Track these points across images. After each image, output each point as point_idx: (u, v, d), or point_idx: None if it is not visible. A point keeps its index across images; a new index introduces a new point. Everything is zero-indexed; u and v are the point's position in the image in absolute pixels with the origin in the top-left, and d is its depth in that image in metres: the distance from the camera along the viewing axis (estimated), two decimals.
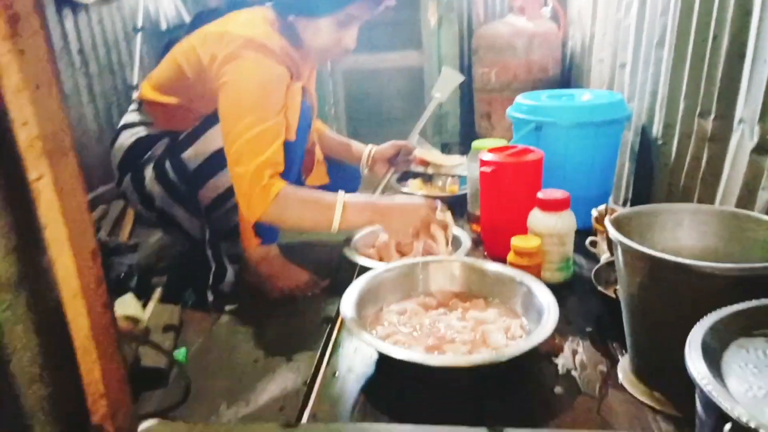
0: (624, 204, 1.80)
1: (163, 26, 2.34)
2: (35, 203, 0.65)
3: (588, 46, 2.28)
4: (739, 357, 0.62)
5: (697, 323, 0.64)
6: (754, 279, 0.78)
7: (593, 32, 2.19)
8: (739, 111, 1.19)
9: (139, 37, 2.19)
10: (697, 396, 0.59)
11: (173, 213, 1.39)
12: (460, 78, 1.59)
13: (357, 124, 2.75)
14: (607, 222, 0.93)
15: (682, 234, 1.01)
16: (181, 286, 1.43)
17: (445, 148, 2.68)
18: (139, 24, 2.19)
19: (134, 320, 1.02)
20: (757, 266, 0.78)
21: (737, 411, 0.50)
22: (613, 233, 0.91)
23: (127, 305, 1.13)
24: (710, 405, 0.54)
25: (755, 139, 1.11)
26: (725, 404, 0.52)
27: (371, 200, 1.27)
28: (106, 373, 0.75)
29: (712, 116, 1.28)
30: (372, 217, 1.25)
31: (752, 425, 0.49)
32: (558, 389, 1.00)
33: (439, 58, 2.59)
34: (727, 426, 0.52)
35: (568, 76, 2.64)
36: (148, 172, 1.36)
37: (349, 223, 1.23)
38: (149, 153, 1.37)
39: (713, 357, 0.62)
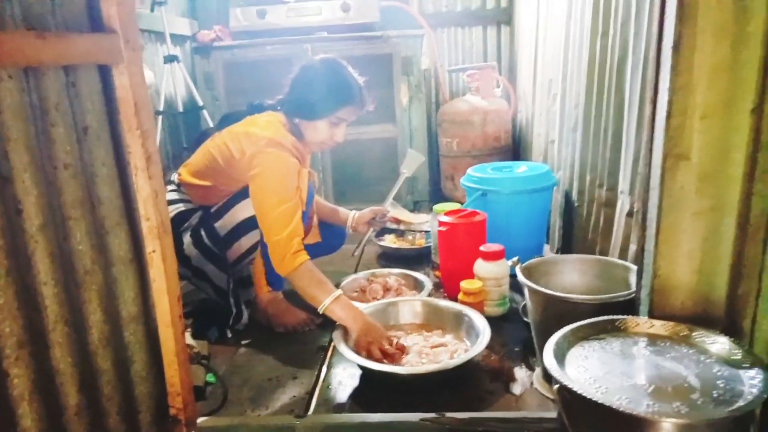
0: (557, 252, 2.23)
1: (180, 109, 2.78)
2: (148, 266, 1.05)
3: (530, 122, 2.76)
4: (577, 353, 1.02)
5: (554, 333, 1.05)
6: (609, 305, 1.20)
7: (534, 111, 2.68)
8: (621, 185, 1.63)
9: (159, 118, 2.62)
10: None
11: (205, 269, 1.76)
12: (422, 158, 2.04)
13: (341, 187, 3.18)
14: (517, 269, 1.35)
15: (573, 276, 1.43)
16: (203, 327, 1.80)
17: (417, 206, 3.12)
18: (161, 108, 2.62)
19: (189, 347, 1.40)
20: (606, 297, 1.21)
21: (559, 375, 0.91)
22: (521, 278, 1.33)
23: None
24: (553, 378, 0.94)
25: (628, 206, 1.56)
26: (555, 374, 0.92)
27: (348, 313, 1.54)
28: (182, 379, 1.13)
29: (605, 188, 1.73)
30: (346, 323, 1.53)
31: (566, 384, 0.89)
32: (491, 389, 1.39)
33: (411, 130, 3.07)
34: (556, 386, 0.92)
35: (518, 144, 3.13)
36: (186, 238, 1.74)
37: (329, 313, 1.55)
38: (187, 223, 1.76)
39: (562, 353, 1.02)
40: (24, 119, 0.78)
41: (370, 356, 1.45)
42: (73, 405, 0.87)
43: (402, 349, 1.50)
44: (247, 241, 1.72)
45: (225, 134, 1.72)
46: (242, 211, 1.71)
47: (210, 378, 1.52)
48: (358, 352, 1.46)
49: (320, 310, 1.56)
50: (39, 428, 0.78)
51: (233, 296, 1.76)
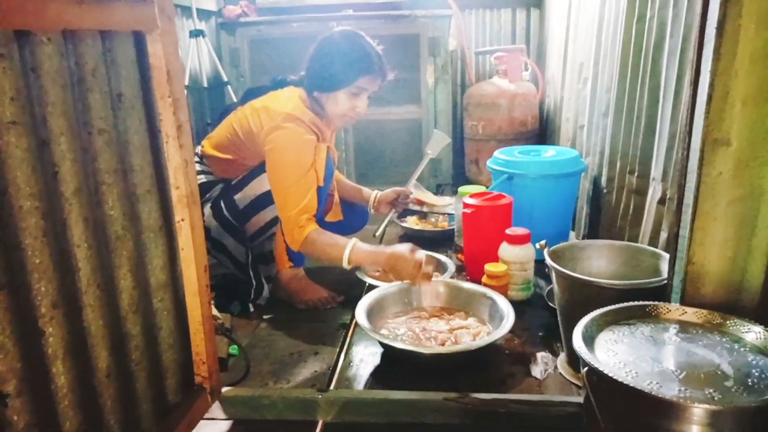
0: (582, 239, 2.20)
1: (205, 84, 2.78)
2: (177, 234, 1.05)
3: (559, 106, 2.72)
4: (606, 337, 1.01)
5: (583, 318, 1.03)
6: (635, 290, 1.18)
7: (562, 95, 2.63)
8: (653, 172, 1.60)
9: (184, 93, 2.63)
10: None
11: (224, 242, 1.78)
12: (448, 140, 2.02)
13: (364, 167, 3.17)
14: (545, 253, 1.34)
15: (601, 262, 1.41)
16: (225, 300, 1.81)
17: (440, 189, 3.10)
18: (186, 82, 2.63)
19: (214, 318, 1.41)
20: (634, 282, 1.19)
21: (588, 357, 0.90)
22: (549, 261, 1.31)
23: None
24: (582, 361, 0.93)
25: (660, 193, 1.53)
26: (584, 356, 0.91)
27: (373, 250, 1.61)
28: (207, 348, 1.14)
29: (636, 174, 1.69)
30: (372, 263, 1.62)
31: (596, 366, 0.88)
32: (513, 372, 1.38)
33: (435, 112, 3.04)
34: (585, 369, 0.91)
35: (544, 129, 3.08)
36: (207, 210, 1.76)
37: (355, 262, 1.62)
38: (207, 195, 1.78)
39: (591, 336, 1.01)
40: (62, 84, 0.78)
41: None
42: (104, 367, 0.88)
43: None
44: (266, 215, 1.74)
45: (247, 108, 1.73)
46: (262, 184, 1.72)
47: (233, 350, 1.53)
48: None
49: (347, 267, 1.60)
50: (72, 387, 0.79)
51: (252, 270, 1.77)
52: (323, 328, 1.67)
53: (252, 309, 1.79)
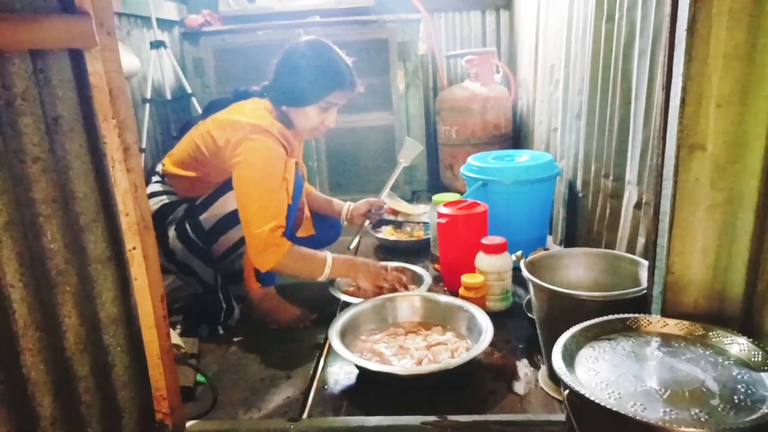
0: (560, 244, 2.17)
1: (168, 96, 2.69)
2: (129, 264, 0.98)
3: (531, 109, 2.69)
4: (587, 354, 0.97)
5: (561, 332, 0.99)
6: (618, 302, 1.14)
7: (535, 98, 2.61)
8: (628, 175, 1.57)
9: (147, 106, 2.54)
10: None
11: (191, 264, 1.70)
12: (420, 147, 1.98)
13: (337, 176, 3.11)
14: (521, 264, 1.29)
15: (579, 271, 1.37)
16: (194, 323, 1.74)
17: (415, 196, 3.05)
18: (148, 95, 2.54)
19: (176, 347, 1.34)
20: (615, 294, 1.15)
21: (569, 380, 0.85)
22: (526, 274, 1.26)
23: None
24: (563, 383, 0.88)
25: (636, 198, 1.50)
26: (564, 378, 0.86)
27: (350, 259, 1.68)
28: (168, 382, 1.07)
29: (611, 178, 1.67)
30: (348, 272, 1.67)
31: (577, 389, 0.83)
32: (494, 389, 1.33)
33: (408, 118, 2.99)
34: (566, 392, 0.86)
35: (518, 132, 3.06)
36: (171, 232, 1.68)
37: (334, 273, 1.65)
38: (171, 216, 1.69)
39: (571, 354, 0.96)
40: None
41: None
42: (48, 415, 0.81)
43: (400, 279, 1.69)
44: (234, 235, 1.65)
45: (209, 122, 1.65)
46: (228, 202, 1.64)
47: (200, 378, 1.46)
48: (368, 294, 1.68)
49: (325, 276, 1.63)
50: None
51: (222, 292, 1.70)
52: (296, 349, 1.60)
53: (221, 331, 1.71)
